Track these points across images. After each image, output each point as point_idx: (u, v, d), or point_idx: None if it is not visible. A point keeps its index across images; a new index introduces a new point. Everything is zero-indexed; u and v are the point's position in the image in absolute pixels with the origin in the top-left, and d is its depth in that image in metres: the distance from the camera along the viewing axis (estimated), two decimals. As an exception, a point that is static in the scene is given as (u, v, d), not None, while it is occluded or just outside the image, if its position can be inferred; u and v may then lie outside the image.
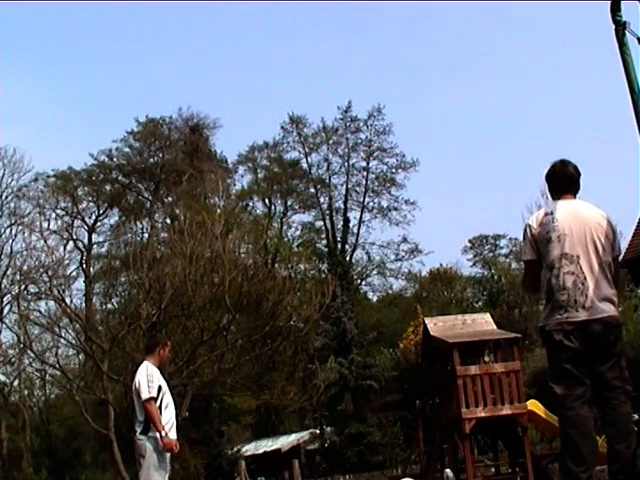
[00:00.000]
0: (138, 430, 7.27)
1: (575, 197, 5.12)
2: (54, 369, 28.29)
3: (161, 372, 7.63)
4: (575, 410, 4.70)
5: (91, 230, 46.54)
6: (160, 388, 7.34)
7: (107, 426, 24.18)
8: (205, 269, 22.73)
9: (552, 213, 4.95)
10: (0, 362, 37.47)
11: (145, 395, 7.20)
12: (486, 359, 15.49)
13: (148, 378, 7.29)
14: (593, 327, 4.71)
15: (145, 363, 7.50)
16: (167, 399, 7.42)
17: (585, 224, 4.89)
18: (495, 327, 15.83)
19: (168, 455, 7.32)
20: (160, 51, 70.94)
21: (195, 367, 23.07)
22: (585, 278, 4.78)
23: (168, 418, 7.35)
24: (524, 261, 5.10)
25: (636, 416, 10.95)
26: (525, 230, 5.00)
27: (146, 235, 39.76)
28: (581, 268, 4.79)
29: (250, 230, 33.08)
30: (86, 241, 45.74)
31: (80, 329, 23.73)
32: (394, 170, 46.32)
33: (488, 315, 16.60)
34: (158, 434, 7.18)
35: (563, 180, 5.12)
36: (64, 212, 45.93)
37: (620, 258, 5.13)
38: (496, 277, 44.63)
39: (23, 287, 27.47)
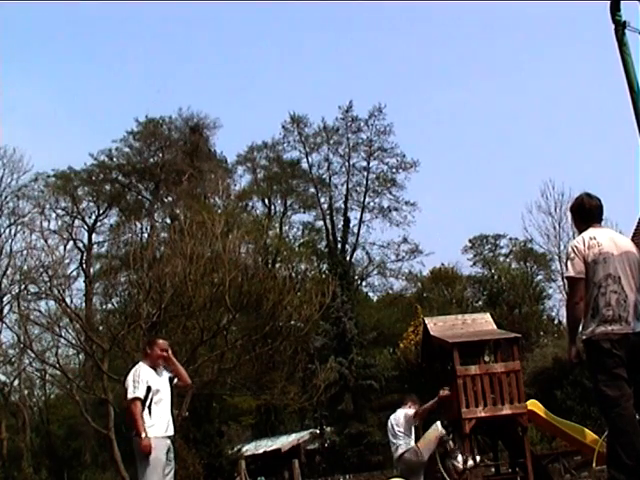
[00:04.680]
0: (134, 431, 7.30)
1: (601, 225, 5.75)
2: (54, 369, 28.27)
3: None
4: (629, 410, 5.25)
5: (91, 230, 46.57)
6: (149, 388, 7.30)
7: (107, 426, 24.18)
8: (205, 269, 22.72)
9: (596, 238, 5.55)
10: (0, 362, 37.46)
11: (130, 395, 7.21)
12: (486, 359, 15.47)
13: (134, 378, 7.29)
14: (634, 339, 5.35)
15: (139, 363, 7.51)
16: (160, 397, 7.37)
17: (621, 250, 5.54)
18: (495, 327, 15.80)
19: (164, 453, 7.28)
20: (160, 51, 71.00)
21: (195, 367, 23.04)
22: (626, 297, 5.43)
23: (160, 414, 7.31)
24: (573, 277, 5.51)
25: None
26: (572, 250, 5.56)
27: (146, 235, 39.74)
28: (623, 288, 5.43)
29: (250, 230, 33.08)
30: (86, 241, 45.83)
31: (80, 329, 23.73)
32: (394, 170, 46.39)
33: (488, 315, 16.54)
34: (160, 432, 7.19)
35: (592, 211, 5.73)
36: (64, 212, 46.04)
37: None
38: (496, 277, 44.63)
39: (23, 287, 27.48)
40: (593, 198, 5.79)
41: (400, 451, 10.15)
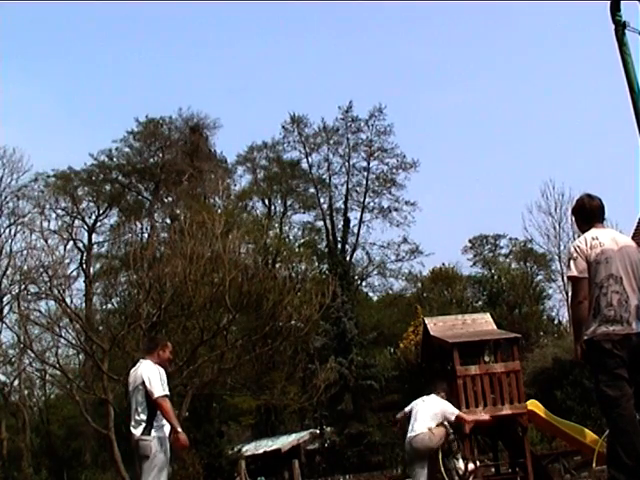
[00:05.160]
0: (139, 430, 7.19)
1: (603, 225, 5.74)
2: (54, 369, 28.25)
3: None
4: (630, 410, 5.24)
5: (91, 230, 46.56)
6: None
7: (107, 426, 24.15)
8: (205, 269, 22.72)
9: (598, 238, 5.55)
10: (0, 362, 37.46)
11: (160, 392, 7.14)
12: (486, 359, 15.47)
13: (161, 377, 7.27)
14: (635, 340, 5.37)
15: (149, 362, 7.43)
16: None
17: (623, 250, 5.54)
18: (495, 327, 15.81)
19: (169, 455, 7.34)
20: (160, 51, 70.99)
21: (195, 367, 23.06)
22: (628, 297, 5.43)
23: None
24: (575, 277, 5.52)
25: None
26: (575, 250, 5.57)
27: (146, 235, 39.75)
28: (624, 288, 5.43)
29: (250, 230, 33.08)
30: (86, 241, 45.80)
31: (80, 329, 23.72)
32: (395, 170, 46.37)
33: (488, 315, 16.57)
34: (168, 432, 7.21)
35: (593, 212, 5.73)
36: (64, 212, 46.02)
37: None
38: (496, 277, 44.62)
39: (23, 287, 27.46)
40: (594, 199, 5.78)
41: (412, 434, 9.85)
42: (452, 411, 10.04)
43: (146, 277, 22.56)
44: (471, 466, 10.61)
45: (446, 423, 10.00)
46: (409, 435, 9.77)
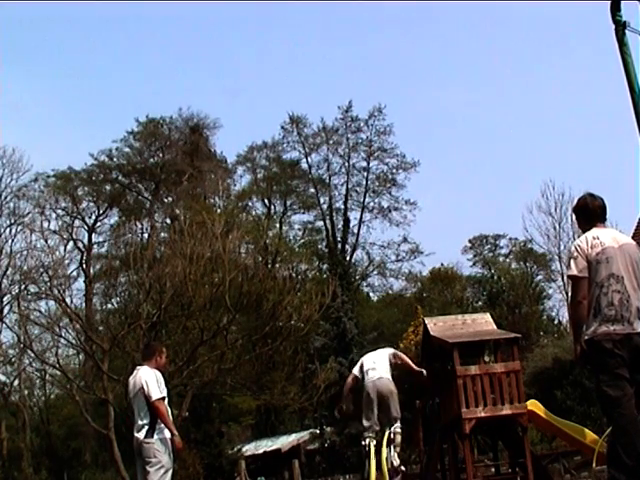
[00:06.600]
0: (142, 433, 7.34)
1: (605, 225, 5.74)
2: (54, 369, 28.25)
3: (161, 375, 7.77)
4: (630, 409, 5.25)
5: (91, 230, 46.59)
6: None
7: (107, 426, 24.15)
8: (205, 269, 22.71)
9: (599, 237, 5.55)
10: (0, 362, 37.45)
11: (157, 395, 7.34)
12: (486, 359, 15.48)
13: (157, 379, 7.48)
14: (636, 339, 5.37)
15: (147, 367, 7.64)
16: (166, 400, 7.59)
17: (624, 249, 5.55)
18: (495, 327, 15.81)
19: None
20: (160, 51, 71.02)
21: (195, 367, 23.06)
22: (629, 297, 5.43)
23: (169, 416, 7.53)
24: (575, 276, 5.53)
25: None
26: (575, 249, 5.59)
27: (146, 235, 39.73)
28: (625, 288, 5.43)
29: (250, 230, 33.07)
30: (86, 241, 45.83)
31: (80, 329, 23.71)
32: (394, 170, 46.39)
33: (488, 315, 16.57)
34: (169, 434, 7.33)
35: (595, 211, 5.73)
36: (64, 212, 46.06)
37: None
38: (496, 277, 44.61)
39: (23, 287, 27.46)
40: (596, 198, 5.79)
41: (374, 377, 11.08)
42: (400, 355, 11.16)
43: (146, 277, 22.55)
44: (402, 467, 10.71)
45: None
46: (371, 379, 10.48)
